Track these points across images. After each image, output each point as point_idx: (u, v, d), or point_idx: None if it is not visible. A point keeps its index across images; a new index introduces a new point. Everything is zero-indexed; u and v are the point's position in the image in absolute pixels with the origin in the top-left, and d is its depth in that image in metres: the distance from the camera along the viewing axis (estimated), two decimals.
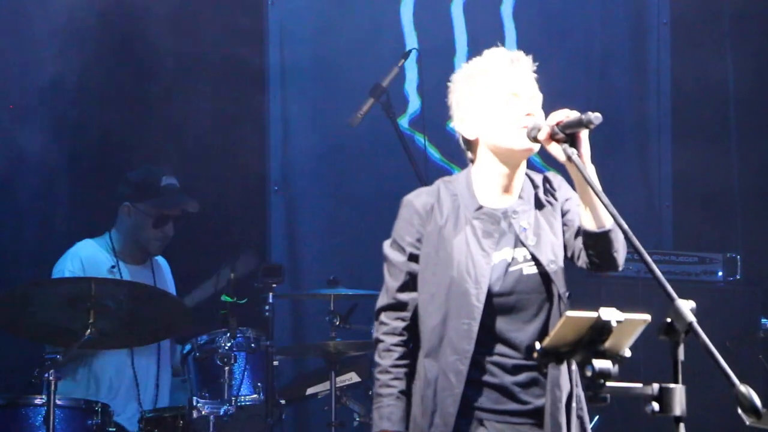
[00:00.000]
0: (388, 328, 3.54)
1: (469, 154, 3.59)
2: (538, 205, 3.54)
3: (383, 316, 3.56)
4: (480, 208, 3.51)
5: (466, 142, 3.58)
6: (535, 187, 3.57)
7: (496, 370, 3.46)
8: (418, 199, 3.57)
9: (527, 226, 3.49)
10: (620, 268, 3.47)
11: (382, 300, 3.57)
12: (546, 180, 3.59)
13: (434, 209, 3.53)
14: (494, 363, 3.46)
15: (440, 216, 3.52)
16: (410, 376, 3.52)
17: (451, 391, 3.42)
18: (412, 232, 3.54)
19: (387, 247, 3.58)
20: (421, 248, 3.52)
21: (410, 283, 3.54)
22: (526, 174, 3.58)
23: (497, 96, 3.48)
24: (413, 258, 3.53)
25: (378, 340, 3.55)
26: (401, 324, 3.53)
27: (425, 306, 3.50)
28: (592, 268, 3.46)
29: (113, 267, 5.82)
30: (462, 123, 3.57)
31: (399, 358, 3.52)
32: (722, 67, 7.18)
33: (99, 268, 5.77)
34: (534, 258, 3.46)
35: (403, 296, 3.54)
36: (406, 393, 3.50)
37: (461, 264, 3.44)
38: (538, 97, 3.50)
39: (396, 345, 3.52)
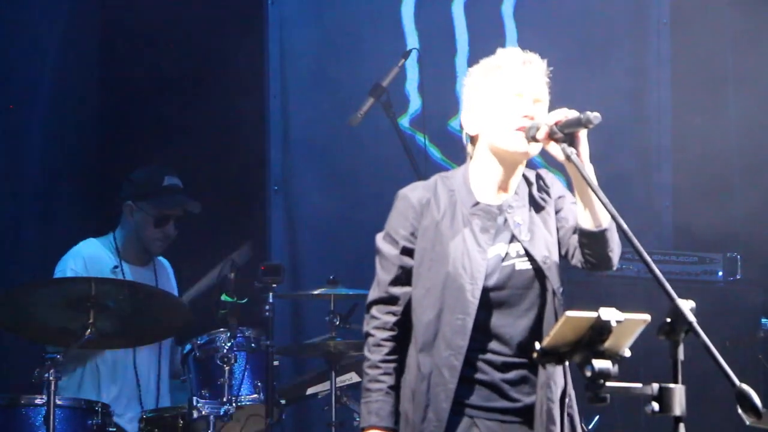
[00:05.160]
0: (379, 322, 3.53)
1: (469, 149, 3.59)
2: (532, 201, 3.54)
3: (374, 310, 3.55)
4: (477, 204, 3.52)
5: (468, 136, 3.59)
6: (529, 184, 3.58)
7: (486, 367, 3.46)
8: (413, 192, 3.56)
9: (521, 222, 3.50)
10: (614, 268, 3.48)
11: (374, 294, 3.56)
12: (539, 177, 3.59)
13: (431, 204, 3.52)
14: (484, 360, 3.45)
15: (437, 211, 3.51)
16: (399, 371, 3.51)
17: (444, 386, 3.41)
18: (407, 226, 3.53)
19: (380, 240, 3.57)
20: (416, 243, 3.51)
21: (403, 277, 3.52)
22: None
23: (501, 95, 3.48)
24: (406, 252, 3.52)
25: (368, 334, 3.53)
26: (392, 318, 3.52)
27: (420, 301, 3.50)
28: (587, 267, 3.47)
29: (116, 267, 5.81)
30: (467, 116, 3.57)
31: (389, 353, 3.50)
32: (722, 66, 7.18)
33: (102, 267, 5.77)
34: (528, 254, 3.47)
35: (395, 290, 3.53)
36: (395, 388, 3.49)
37: (457, 259, 3.44)
38: (545, 101, 3.50)
39: (386, 340, 3.51)
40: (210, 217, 6.06)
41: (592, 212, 3.37)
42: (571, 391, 3.47)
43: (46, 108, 6.69)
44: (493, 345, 3.46)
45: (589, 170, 3.30)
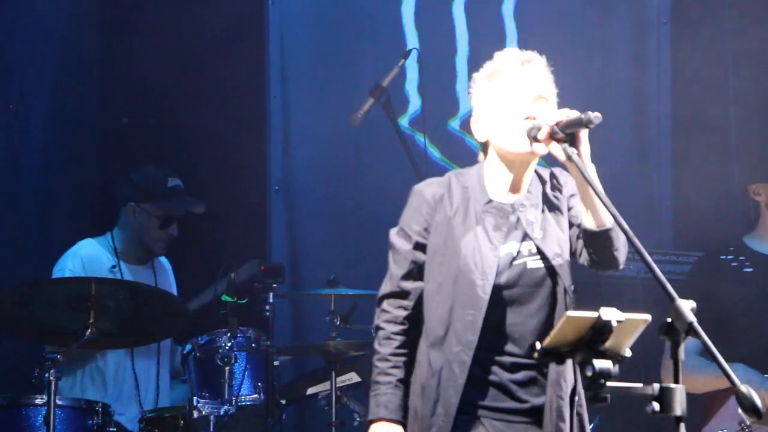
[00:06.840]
0: (390, 316, 3.54)
1: (481, 157, 3.63)
2: (546, 200, 3.56)
3: (385, 304, 3.56)
4: (490, 201, 3.53)
5: (480, 144, 3.62)
6: (543, 183, 3.59)
7: (495, 367, 3.47)
8: (428, 188, 3.59)
9: (534, 220, 3.52)
10: (621, 267, 3.49)
11: (385, 287, 3.58)
12: (553, 176, 3.61)
13: (444, 199, 3.54)
14: (494, 360, 3.47)
15: (450, 207, 3.53)
16: (409, 365, 3.52)
17: (454, 381, 3.43)
18: (420, 221, 3.55)
19: (393, 234, 3.59)
20: (429, 238, 3.53)
21: (415, 271, 3.54)
22: (535, 170, 3.59)
23: (501, 99, 3.50)
24: (419, 247, 3.54)
25: (378, 328, 3.55)
26: (403, 313, 3.54)
27: (432, 296, 3.51)
28: (593, 267, 3.48)
29: (114, 267, 5.82)
30: (475, 125, 3.60)
31: (399, 347, 3.52)
32: (722, 66, 7.17)
33: (100, 267, 5.77)
34: (540, 252, 3.48)
35: (407, 285, 3.54)
36: (405, 382, 3.51)
37: (468, 255, 3.45)
38: (549, 97, 3.51)
39: (396, 333, 3.53)
40: (210, 217, 6.06)
41: (594, 212, 3.38)
42: (580, 389, 3.47)
43: (46, 108, 6.69)
44: (504, 344, 3.47)
45: (591, 170, 3.30)
